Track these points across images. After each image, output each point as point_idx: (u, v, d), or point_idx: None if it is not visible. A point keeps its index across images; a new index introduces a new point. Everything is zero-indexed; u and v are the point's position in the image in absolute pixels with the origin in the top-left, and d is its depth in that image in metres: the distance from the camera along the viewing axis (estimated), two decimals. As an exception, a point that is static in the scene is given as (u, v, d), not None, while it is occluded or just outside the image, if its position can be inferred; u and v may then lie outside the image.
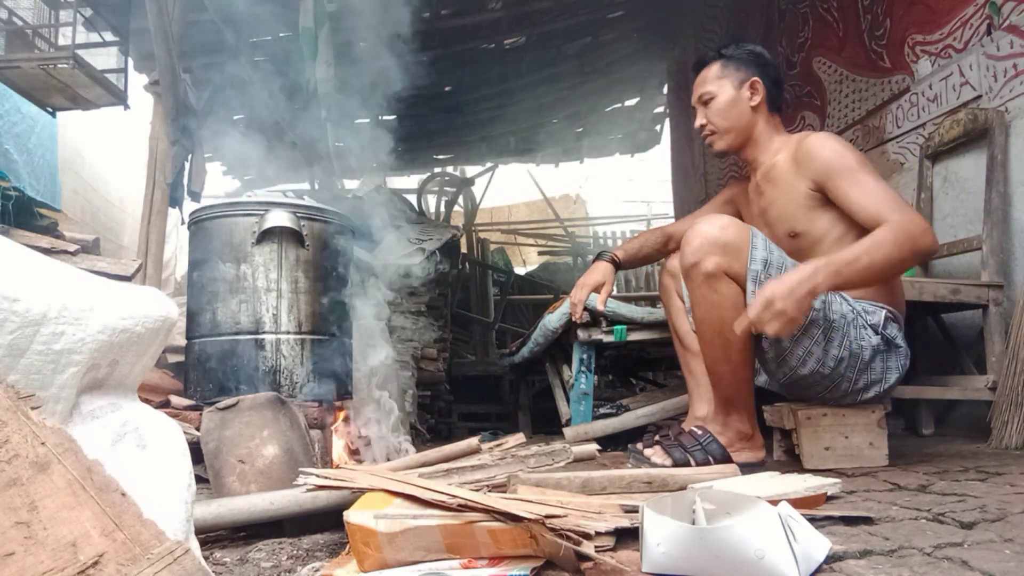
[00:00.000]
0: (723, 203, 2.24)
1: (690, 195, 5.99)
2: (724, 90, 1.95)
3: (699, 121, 2.01)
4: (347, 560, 1.02)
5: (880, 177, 1.70)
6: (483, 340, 7.72)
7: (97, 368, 0.86)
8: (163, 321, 0.94)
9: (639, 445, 2.13)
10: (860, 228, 1.69)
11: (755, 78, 1.93)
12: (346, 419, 2.22)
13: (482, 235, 9.71)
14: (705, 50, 2.02)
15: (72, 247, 2.64)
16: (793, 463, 1.80)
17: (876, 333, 1.72)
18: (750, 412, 1.79)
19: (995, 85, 2.57)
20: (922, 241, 1.54)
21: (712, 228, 1.65)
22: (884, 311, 1.76)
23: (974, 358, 2.53)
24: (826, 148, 1.75)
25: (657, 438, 2.07)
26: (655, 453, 1.76)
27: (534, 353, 3.25)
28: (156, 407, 1.27)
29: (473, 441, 1.71)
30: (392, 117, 6.78)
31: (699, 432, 1.77)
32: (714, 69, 1.98)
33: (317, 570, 1.04)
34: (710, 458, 1.71)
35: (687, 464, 1.67)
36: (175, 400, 2.02)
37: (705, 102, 1.98)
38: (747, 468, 1.74)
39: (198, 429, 1.74)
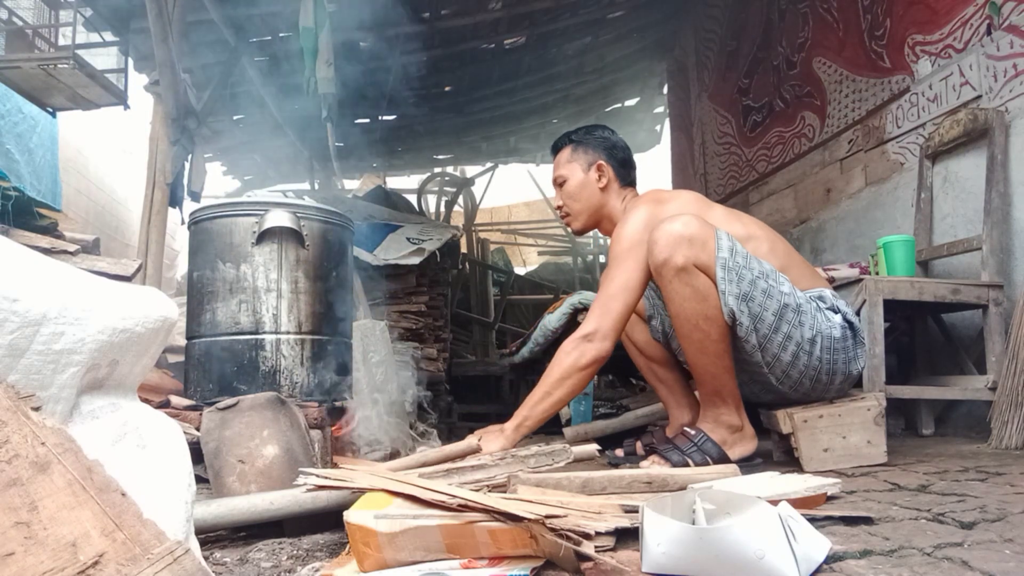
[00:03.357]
0: None
1: (690, 195, 5.98)
2: (574, 174, 2.06)
3: (556, 202, 2.13)
4: (347, 560, 1.02)
5: (625, 269, 1.79)
6: (483, 340, 7.72)
7: (97, 368, 0.86)
8: (163, 321, 0.94)
9: (619, 451, 2.13)
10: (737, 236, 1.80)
11: (601, 161, 2.03)
12: (345, 420, 2.22)
13: (482, 235, 9.71)
14: (559, 137, 2.16)
15: (72, 247, 2.63)
16: (792, 463, 1.80)
17: (836, 312, 1.80)
18: (737, 403, 1.80)
19: (995, 85, 2.57)
20: (581, 359, 1.74)
21: (676, 224, 1.70)
22: (827, 292, 1.85)
23: (974, 358, 2.53)
24: (614, 237, 1.90)
25: (643, 443, 2.07)
26: (652, 463, 1.77)
27: (534, 353, 3.25)
28: (156, 407, 1.27)
29: (473, 441, 1.71)
30: (392, 117, 6.78)
31: (692, 433, 1.77)
32: (565, 154, 2.09)
33: (317, 570, 1.04)
34: (707, 458, 1.71)
35: (686, 467, 1.67)
36: (175, 400, 2.02)
37: (560, 184, 2.09)
38: (744, 463, 1.75)
39: (198, 429, 1.74)
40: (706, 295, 1.68)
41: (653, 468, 1.55)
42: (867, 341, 2.19)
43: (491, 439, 1.71)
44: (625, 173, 2.06)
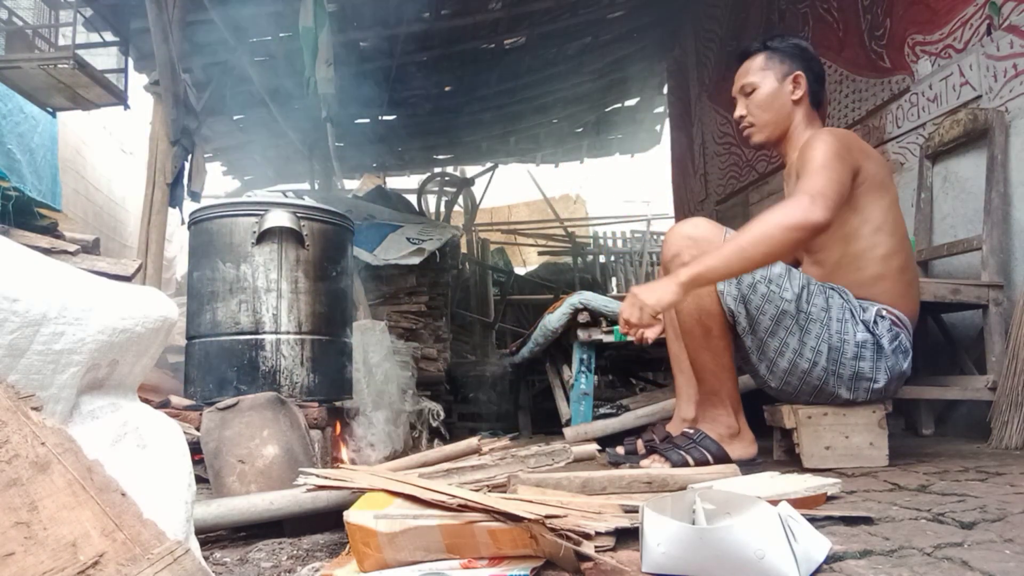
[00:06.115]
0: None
1: (690, 195, 5.99)
2: (767, 82, 1.91)
3: (739, 112, 1.97)
4: (347, 560, 1.02)
5: (836, 171, 1.63)
6: (483, 340, 7.72)
7: (97, 368, 0.86)
8: (163, 321, 0.94)
9: (619, 449, 2.12)
10: (873, 224, 1.73)
11: (799, 72, 1.90)
12: (345, 421, 2.22)
13: (482, 235, 9.71)
14: (749, 42, 2.01)
15: (72, 247, 2.63)
16: (793, 463, 1.80)
17: (867, 330, 1.71)
18: (736, 407, 1.80)
19: (995, 85, 2.57)
20: (795, 217, 1.54)
21: (687, 225, 1.80)
22: (876, 308, 1.75)
23: (974, 358, 2.53)
24: (809, 147, 1.73)
25: (644, 441, 2.07)
26: (652, 462, 1.77)
27: (534, 353, 3.25)
28: (156, 407, 1.27)
29: (473, 441, 1.71)
30: (392, 117, 6.78)
31: (691, 432, 1.78)
32: (758, 60, 1.94)
33: (317, 570, 1.04)
34: (707, 455, 1.72)
35: (685, 465, 1.67)
36: (175, 400, 2.02)
37: (747, 93, 1.94)
38: (742, 466, 1.75)
39: (198, 429, 1.74)
40: (710, 293, 1.73)
41: (653, 468, 1.55)
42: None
43: (653, 289, 1.57)
44: (818, 90, 1.94)
